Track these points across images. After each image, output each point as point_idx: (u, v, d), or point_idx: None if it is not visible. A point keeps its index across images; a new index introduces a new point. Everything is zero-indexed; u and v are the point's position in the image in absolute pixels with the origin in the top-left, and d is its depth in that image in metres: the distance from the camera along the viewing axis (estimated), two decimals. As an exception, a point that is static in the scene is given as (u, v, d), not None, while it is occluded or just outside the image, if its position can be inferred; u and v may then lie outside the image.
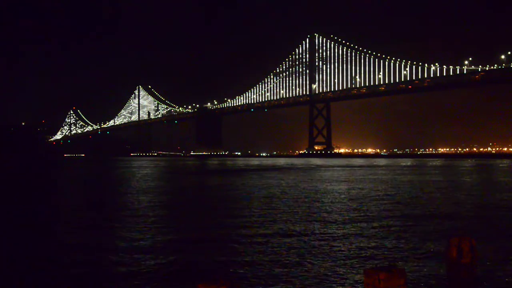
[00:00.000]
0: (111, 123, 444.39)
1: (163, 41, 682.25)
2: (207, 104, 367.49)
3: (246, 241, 20.10)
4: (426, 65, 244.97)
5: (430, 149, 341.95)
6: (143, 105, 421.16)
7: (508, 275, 14.65)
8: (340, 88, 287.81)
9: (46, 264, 16.97)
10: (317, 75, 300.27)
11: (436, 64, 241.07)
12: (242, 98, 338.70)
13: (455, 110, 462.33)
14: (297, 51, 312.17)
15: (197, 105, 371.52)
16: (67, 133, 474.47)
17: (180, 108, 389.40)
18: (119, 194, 45.20)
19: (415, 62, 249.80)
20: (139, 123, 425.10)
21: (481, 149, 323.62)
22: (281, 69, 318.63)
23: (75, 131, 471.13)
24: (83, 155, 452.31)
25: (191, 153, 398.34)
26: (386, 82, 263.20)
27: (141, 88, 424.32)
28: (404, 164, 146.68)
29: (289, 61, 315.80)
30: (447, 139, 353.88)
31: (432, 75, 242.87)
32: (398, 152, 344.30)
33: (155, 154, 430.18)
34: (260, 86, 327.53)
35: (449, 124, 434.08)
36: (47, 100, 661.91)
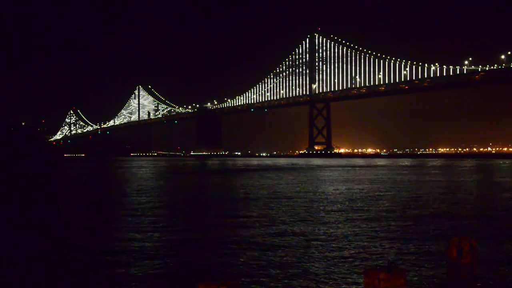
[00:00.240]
0: (111, 123, 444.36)
1: (163, 41, 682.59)
2: (207, 104, 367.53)
3: (245, 241, 20.10)
4: (426, 65, 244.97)
5: (430, 149, 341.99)
6: (143, 105, 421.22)
7: (508, 275, 14.65)
8: (340, 88, 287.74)
9: (46, 264, 16.96)
10: (317, 75, 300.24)
11: (436, 64, 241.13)
12: (242, 98, 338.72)
13: (455, 110, 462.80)
14: (297, 51, 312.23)
15: (197, 105, 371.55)
16: (67, 133, 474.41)
17: (180, 108, 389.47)
18: (119, 194, 45.20)
19: (415, 62, 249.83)
20: (139, 123, 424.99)
21: (481, 149, 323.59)
22: (281, 69, 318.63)
23: (75, 131, 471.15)
24: (83, 155, 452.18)
25: (191, 153, 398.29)
26: (386, 82, 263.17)
27: (141, 88, 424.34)
28: (404, 164, 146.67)
29: (289, 61, 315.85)
30: (447, 139, 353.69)
31: (432, 75, 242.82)
32: (398, 152, 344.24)
33: (155, 154, 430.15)
34: (260, 86, 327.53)
35: (449, 124, 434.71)
36: (47, 100, 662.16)
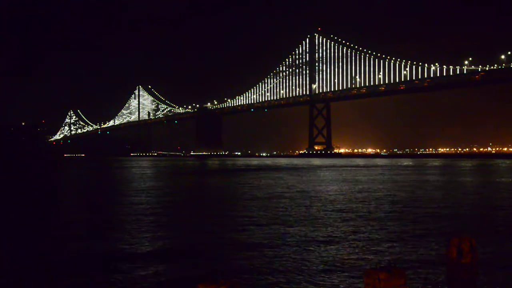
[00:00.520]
0: (111, 123, 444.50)
1: (163, 41, 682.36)
2: (207, 104, 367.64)
3: (245, 241, 20.11)
4: (426, 65, 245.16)
5: (430, 149, 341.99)
6: (143, 105, 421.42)
7: (508, 275, 14.64)
8: (340, 88, 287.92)
9: (46, 264, 16.96)
10: (317, 75, 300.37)
11: (436, 64, 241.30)
12: (242, 98, 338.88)
13: (455, 110, 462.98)
14: (297, 51, 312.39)
15: (197, 105, 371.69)
16: (67, 133, 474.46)
17: (180, 108, 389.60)
18: (118, 194, 45.21)
19: (415, 62, 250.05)
20: (139, 123, 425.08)
21: (481, 149, 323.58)
22: (281, 69, 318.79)
23: (75, 131, 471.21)
24: (83, 155, 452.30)
25: (191, 153, 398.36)
26: (386, 82, 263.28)
27: (141, 88, 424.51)
28: (404, 164, 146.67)
29: (289, 61, 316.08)
30: (447, 139, 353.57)
31: (432, 75, 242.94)
32: (398, 152, 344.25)
33: (155, 154, 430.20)
34: (260, 86, 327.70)
35: (449, 124, 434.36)
36: (47, 100, 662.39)
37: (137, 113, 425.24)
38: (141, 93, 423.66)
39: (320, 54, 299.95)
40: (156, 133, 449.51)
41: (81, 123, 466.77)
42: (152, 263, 16.49)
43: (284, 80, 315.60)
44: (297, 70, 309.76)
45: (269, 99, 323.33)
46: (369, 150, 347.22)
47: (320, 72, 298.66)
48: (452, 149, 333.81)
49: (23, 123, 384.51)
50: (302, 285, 13.79)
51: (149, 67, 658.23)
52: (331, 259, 16.71)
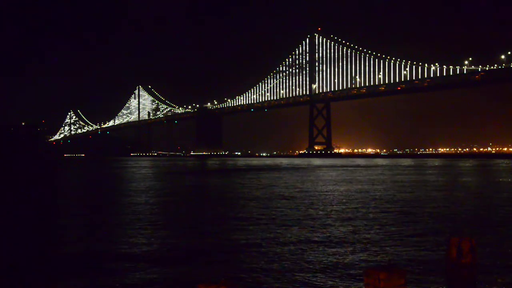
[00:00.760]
0: (111, 123, 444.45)
1: (163, 41, 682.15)
2: (207, 104, 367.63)
3: (245, 241, 20.11)
4: (426, 65, 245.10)
5: (430, 149, 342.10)
6: (143, 105, 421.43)
7: (508, 275, 14.64)
8: (340, 88, 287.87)
9: (46, 264, 16.96)
10: (317, 75, 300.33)
11: (436, 64, 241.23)
12: (242, 98, 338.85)
13: (455, 110, 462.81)
14: (297, 51, 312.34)
15: (197, 105, 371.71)
16: (67, 133, 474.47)
17: (180, 108, 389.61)
18: (118, 194, 45.20)
19: (415, 62, 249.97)
20: (139, 123, 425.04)
21: (481, 149, 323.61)
22: (281, 69, 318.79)
23: (75, 131, 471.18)
24: (83, 155, 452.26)
25: (191, 153, 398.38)
26: (386, 82, 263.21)
27: (141, 88, 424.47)
28: (404, 164, 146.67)
29: (289, 61, 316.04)
30: (447, 139, 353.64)
31: (432, 75, 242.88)
32: (398, 152, 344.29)
33: (155, 154, 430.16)
34: (260, 86, 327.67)
35: (449, 124, 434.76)
36: (47, 100, 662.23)
37: (137, 113, 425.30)
38: (141, 93, 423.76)
39: (320, 54, 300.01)
40: (156, 133, 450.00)
41: (81, 123, 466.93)
42: (152, 263, 16.49)
43: (284, 80, 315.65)
44: (297, 70, 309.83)
45: (269, 99, 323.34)
46: (369, 150, 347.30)
47: (320, 72, 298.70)
48: (452, 149, 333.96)
49: (23, 123, 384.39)
50: (301, 285, 13.79)
51: (149, 67, 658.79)
52: (331, 259, 16.71)
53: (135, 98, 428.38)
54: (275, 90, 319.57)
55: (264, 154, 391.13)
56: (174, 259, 17.23)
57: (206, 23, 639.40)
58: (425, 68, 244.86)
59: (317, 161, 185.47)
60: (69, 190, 53.67)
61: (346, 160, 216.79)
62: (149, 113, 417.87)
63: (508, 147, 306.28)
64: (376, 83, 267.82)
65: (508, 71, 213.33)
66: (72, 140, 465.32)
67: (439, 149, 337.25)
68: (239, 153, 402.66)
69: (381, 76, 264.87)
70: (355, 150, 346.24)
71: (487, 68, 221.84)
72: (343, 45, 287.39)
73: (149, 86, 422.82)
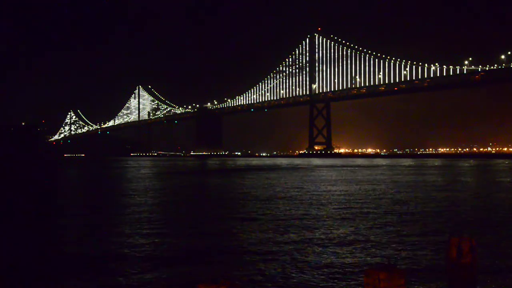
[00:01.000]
0: (111, 123, 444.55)
1: (163, 41, 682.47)
2: (207, 104, 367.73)
3: (245, 241, 20.11)
4: (426, 65, 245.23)
5: (430, 149, 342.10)
6: (143, 105, 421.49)
7: (508, 275, 14.64)
8: (340, 88, 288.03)
9: (46, 264, 16.96)
10: (317, 75, 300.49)
11: (436, 64, 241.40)
12: (242, 98, 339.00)
13: (455, 110, 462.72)
14: (297, 51, 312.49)
15: (197, 105, 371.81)
16: (67, 133, 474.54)
17: (180, 108, 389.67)
18: (118, 194, 45.20)
19: (415, 62, 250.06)
20: (139, 123, 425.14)
21: (481, 149, 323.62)
22: (281, 69, 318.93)
23: (75, 131, 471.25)
24: (83, 155, 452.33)
25: (191, 153, 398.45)
26: (386, 82, 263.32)
27: (141, 88, 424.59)
28: (404, 164, 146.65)
29: (289, 61, 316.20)
30: (447, 139, 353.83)
31: (432, 75, 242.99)
32: (398, 152, 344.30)
33: (155, 154, 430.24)
34: (260, 86, 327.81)
35: (449, 124, 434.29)
36: (47, 100, 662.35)
37: (137, 113, 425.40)
38: (141, 93, 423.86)
39: (320, 54, 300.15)
40: (156, 133, 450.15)
41: (81, 123, 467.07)
42: (152, 263, 16.48)
43: (284, 80, 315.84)
44: (297, 70, 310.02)
45: (269, 99, 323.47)
46: (369, 150, 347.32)
47: (320, 72, 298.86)
48: (452, 149, 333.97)
49: (23, 123, 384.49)
50: (301, 285, 13.78)
51: (149, 67, 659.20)
52: (330, 259, 16.71)
53: (135, 98, 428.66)
54: (275, 90, 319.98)
55: (264, 154, 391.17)
56: (174, 259, 17.22)
57: (206, 23, 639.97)
58: (425, 68, 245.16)
59: (317, 161, 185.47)
60: (69, 190, 53.66)
61: (346, 160, 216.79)
62: (149, 113, 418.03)
63: (508, 147, 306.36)
64: (376, 83, 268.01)
65: (508, 71, 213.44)
66: (72, 140, 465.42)
67: (439, 149, 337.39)
68: (239, 153, 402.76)
69: (381, 76, 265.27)
70: (355, 150, 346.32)
71: (487, 68, 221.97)
72: (343, 45, 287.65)
73: (149, 86, 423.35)
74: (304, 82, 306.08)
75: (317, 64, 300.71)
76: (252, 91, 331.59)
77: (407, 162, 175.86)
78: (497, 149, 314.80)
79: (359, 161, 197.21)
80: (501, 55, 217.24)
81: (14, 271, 15.99)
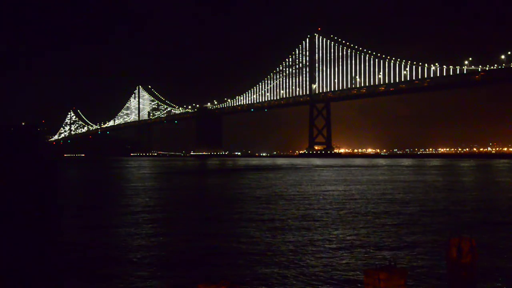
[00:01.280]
0: (111, 123, 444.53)
1: (163, 41, 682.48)
2: (207, 104, 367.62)
3: (245, 241, 20.10)
4: (426, 65, 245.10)
5: (430, 149, 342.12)
6: (143, 105, 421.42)
7: (508, 275, 14.64)
8: (340, 88, 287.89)
9: (46, 264, 16.96)
10: (317, 75, 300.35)
11: (436, 64, 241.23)
12: (242, 98, 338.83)
13: (455, 110, 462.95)
14: (297, 51, 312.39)
15: (197, 105, 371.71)
16: (67, 133, 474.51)
17: (180, 108, 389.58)
18: (118, 194, 45.20)
19: (415, 62, 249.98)
20: (139, 123, 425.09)
21: (481, 149, 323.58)
22: (281, 69, 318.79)
23: (75, 131, 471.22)
24: (83, 155, 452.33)
25: (191, 153, 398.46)
26: (386, 82, 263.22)
27: (141, 88, 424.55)
28: (404, 164, 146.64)
29: (289, 61, 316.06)
30: (447, 139, 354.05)
31: (432, 75, 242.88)
32: (398, 152, 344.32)
33: (155, 154, 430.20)
34: (260, 86, 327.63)
35: (449, 124, 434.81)
36: (47, 100, 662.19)
37: (137, 113, 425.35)
38: (141, 93, 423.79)
39: (320, 54, 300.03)
40: (156, 133, 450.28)
41: (81, 123, 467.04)
42: (152, 263, 16.48)
43: (284, 80, 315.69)
44: (297, 70, 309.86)
45: (269, 99, 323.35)
46: (369, 150, 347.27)
47: (320, 72, 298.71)
48: (452, 149, 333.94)
49: (23, 123, 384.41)
50: (301, 285, 13.78)
51: (149, 67, 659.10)
52: (330, 259, 16.71)
53: (135, 98, 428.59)
54: (275, 90, 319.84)
55: (264, 154, 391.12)
56: (174, 259, 17.22)
57: (206, 23, 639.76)
58: (425, 68, 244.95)
59: (317, 161, 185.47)
60: (69, 190, 53.65)
61: (346, 160, 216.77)
62: (149, 113, 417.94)
63: (508, 147, 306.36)
64: (376, 83, 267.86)
65: (508, 71, 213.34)
66: (72, 140, 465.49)
67: (439, 149, 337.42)
68: (239, 153, 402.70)
69: (381, 76, 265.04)
70: (355, 150, 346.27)
71: (487, 68, 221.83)
72: (343, 45, 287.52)
73: (149, 86, 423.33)
74: (304, 82, 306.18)
75: (317, 64, 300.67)
76: (252, 91, 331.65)
77: (407, 162, 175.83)
78: (497, 149, 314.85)
79: (359, 161, 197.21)
80: (501, 55, 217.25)
81: (14, 271, 15.98)
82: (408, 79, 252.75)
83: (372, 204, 33.43)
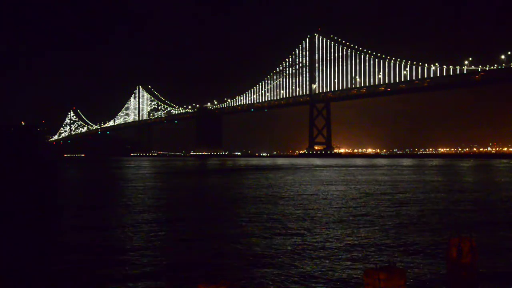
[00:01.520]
0: (111, 123, 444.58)
1: (163, 41, 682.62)
2: (207, 104, 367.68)
3: (245, 241, 20.11)
4: (426, 65, 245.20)
5: (430, 149, 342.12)
6: (143, 105, 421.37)
7: (508, 275, 14.64)
8: (340, 88, 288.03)
9: (46, 264, 16.96)
10: (317, 75, 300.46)
11: (436, 64, 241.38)
12: (242, 98, 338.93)
13: (455, 110, 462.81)
14: (297, 51, 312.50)
15: (197, 105, 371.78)
16: (67, 133, 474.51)
17: (180, 108, 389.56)
18: (118, 194, 45.19)
19: (415, 62, 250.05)
20: (139, 123, 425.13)
21: (481, 149, 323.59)
22: (281, 69, 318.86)
23: (75, 131, 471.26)
24: (83, 155, 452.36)
25: (191, 153, 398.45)
26: (386, 82, 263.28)
27: (141, 88, 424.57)
28: (404, 164, 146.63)
29: (289, 61, 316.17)
30: (447, 139, 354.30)
31: (432, 75, 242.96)
32: (398, 152, 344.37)
33: (155, 154, 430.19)
34: (260, 86, 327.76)
35: (449, 124, 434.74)
36: (47, 100, 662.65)
37: (137, 113, 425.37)
38: (141, 93, 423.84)
39: (320, 54, 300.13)
40: (156, 133, 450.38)
41: (81, 123, 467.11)
42: (152, 263, 16.48)
43: (284, 80, 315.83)
44: (297, 70, 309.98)
45: (269, 99, 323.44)
46: (369, 150, 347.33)
47: (320, 72, 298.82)
48: (452, 149, 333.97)
49: (23, 123, 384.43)
50: (301, 285, 13.78)
51: (149, 67, 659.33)
52: (330, 258, 16.70)
53: (135, 98, 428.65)
54: (275, 90, 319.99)
55: (264, 154, 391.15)
56: (174, 259, 17.22)
57: (206, 23, 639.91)
58: (425, 68, 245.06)
59: (317, 161, 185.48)
60: (69, 190, 53.64)
61: (346, 160, 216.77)
62: (149, 113, 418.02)
63: (508, 147, 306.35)
64: (376, 83, 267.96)
65: (508, 71, 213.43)
66: (72, 140, 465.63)
67: (439, 149, 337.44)
68: (239, 153, 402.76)
69: (381, 76, 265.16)
70: (355, 150, 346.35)
71: (487, 68, 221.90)
72: (343, 45, 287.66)
73: (149, 86, 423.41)
74: (304, 82, 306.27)
75: (317, 64, 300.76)
76: (252, 91, 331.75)
77: (407, 162, 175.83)
78: (497, 149, 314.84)
79: (359, 161, 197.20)
80: (501, 55, 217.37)
81: (14, 271, 15.98)
82: (408, 79, 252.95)
83: (372, 204, 33.43)
